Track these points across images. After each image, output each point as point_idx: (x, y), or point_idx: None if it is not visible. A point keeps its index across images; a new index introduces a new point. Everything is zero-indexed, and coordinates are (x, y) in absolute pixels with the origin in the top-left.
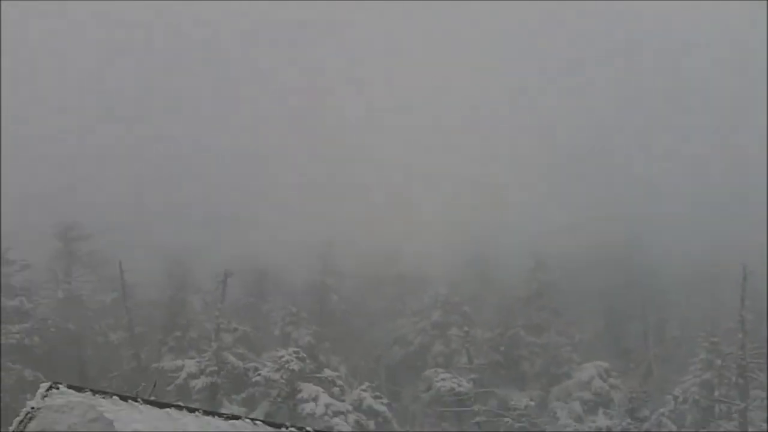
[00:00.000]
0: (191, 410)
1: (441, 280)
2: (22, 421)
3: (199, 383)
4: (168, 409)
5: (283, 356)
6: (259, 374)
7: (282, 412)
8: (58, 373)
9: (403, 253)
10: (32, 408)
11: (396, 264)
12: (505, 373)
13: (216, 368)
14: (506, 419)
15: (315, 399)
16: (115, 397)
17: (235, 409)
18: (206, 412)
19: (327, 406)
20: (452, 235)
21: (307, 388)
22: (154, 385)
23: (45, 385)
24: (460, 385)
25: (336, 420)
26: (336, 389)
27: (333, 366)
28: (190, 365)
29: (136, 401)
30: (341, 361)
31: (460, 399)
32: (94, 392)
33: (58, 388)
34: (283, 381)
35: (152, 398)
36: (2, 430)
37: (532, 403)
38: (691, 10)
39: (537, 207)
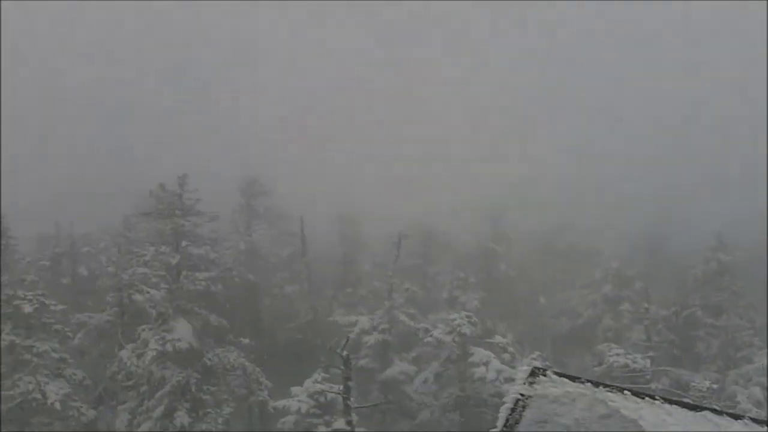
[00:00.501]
0: (735, 416)
1: (610, 254)
2: (514, 408)
3: (371, 339)
4: (704, 412)
5: (455, 319)
6: (431, 335)
7: (450, 373)
8: (237, 320)
9: (571, 224)
10: (521, 395)
11: (564, 235)
12: (679, 352)
13: (388, 326)
14: (685, 400)
15: (486, 364)
16: (626, 392)
17: (405, 367)
18: (755, 420)
19: (498, 372)
20: (621, 210)
21: (478, 353)
22: (347, 341)
23: (526, 369)
24: (634, 362)
25: (507, 386)
26: (506, 356)
27: (500, 333)
28: (364, 321)
29: (655, 399)
30: (507, 328)
31: (632, 376)
32: (595, 384)
33: (545, 375)
34: (454, 344)
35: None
36: (186, 372)
37: (714, 386)
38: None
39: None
